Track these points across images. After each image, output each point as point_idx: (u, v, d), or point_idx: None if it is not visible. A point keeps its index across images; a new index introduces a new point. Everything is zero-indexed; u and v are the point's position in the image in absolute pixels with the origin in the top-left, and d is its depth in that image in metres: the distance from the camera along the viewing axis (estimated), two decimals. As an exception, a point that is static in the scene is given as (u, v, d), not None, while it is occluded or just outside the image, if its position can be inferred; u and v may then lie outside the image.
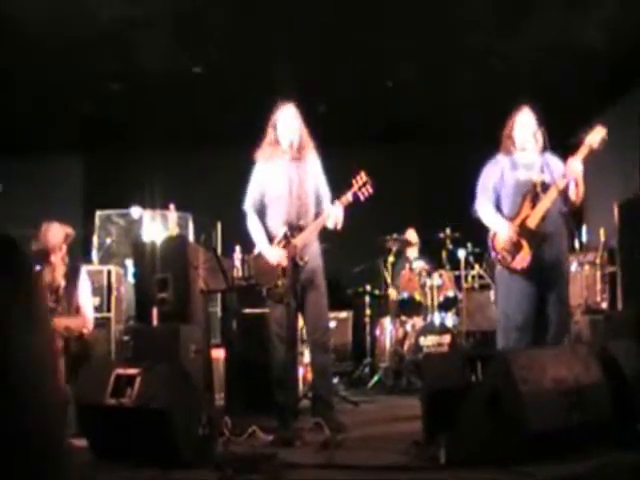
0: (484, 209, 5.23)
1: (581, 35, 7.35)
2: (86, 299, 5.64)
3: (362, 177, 5.03)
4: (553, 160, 5.18)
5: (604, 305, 7.31)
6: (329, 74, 8.49)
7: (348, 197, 5.03)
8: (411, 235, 8.88)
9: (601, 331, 5.79)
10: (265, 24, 7.37)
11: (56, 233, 5.54)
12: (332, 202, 5.13)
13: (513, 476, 3.35)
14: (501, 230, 5.12)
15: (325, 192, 5.28)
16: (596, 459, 3.39)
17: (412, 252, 8.86)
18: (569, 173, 4.95)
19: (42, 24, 7.04)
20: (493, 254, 5.20)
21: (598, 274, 7.50)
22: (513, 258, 5.04)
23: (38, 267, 5.43)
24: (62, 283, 5.49)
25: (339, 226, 5.08)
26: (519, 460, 3.43)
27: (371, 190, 5.01)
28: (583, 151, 4.94)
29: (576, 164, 4.94)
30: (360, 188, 5.00)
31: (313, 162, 5.28)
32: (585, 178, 5.04)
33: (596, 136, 4.96)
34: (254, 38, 7.65)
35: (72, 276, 5.56)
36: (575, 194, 5.06)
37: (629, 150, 8.59)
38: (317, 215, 5.16)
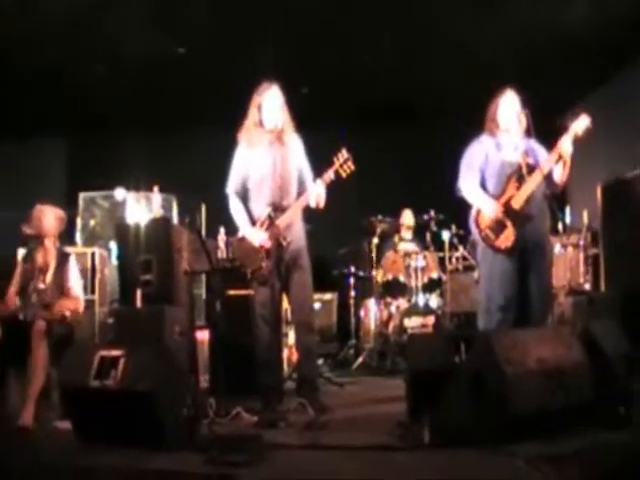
0: (470, 187, 5.22)
1: (565, 18, 7.33)
2: (76, 281, 5.65)
3: (343, 154, 4.97)
4: (536, 145, 5.21)
5: (587, 286, 7.34)
6: (312, 54, 8.45)
7: (330, 175, 4.97)
8: (407, 216, 8.84)
9: (584, 312, 5.82)
10: (246, 4, 7.32)
11: (50, 219, 5.59)
12: (314, 181, 5.10)
13: (497, 456, 3.37)
14: (487, 207, 5.11)
15: (308, 173, 5.25)
16: (579, 439, 3.41)
17: (407, 234, 8.82)
18: (561, 152, 4.95)
19: (20, 7, 6.96)
20: (476, 232, 5.18)
21: (581, 256, 7.52)
22: (497, 237, 5.05)
23: (30, 249, 5.59)
24: (52, 266, 5.52)
25: (322, 204, 5.03)
26: (503, 440, 3.45)
27: (352, 167, 4.94)
28: (570, 134, 4.96)
29: (567, 144, 4.95)
30: (341, 165, 4.95)
31: (295, 143, 5.26)
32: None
33: (581, 124, 4.99)
34: (235, 19, 7.61)
35: (62, 260, 5.59)
36: (561, 176, 5.08)
37: (612, 133, 8.61)
38: (300, 195, 5.12)
